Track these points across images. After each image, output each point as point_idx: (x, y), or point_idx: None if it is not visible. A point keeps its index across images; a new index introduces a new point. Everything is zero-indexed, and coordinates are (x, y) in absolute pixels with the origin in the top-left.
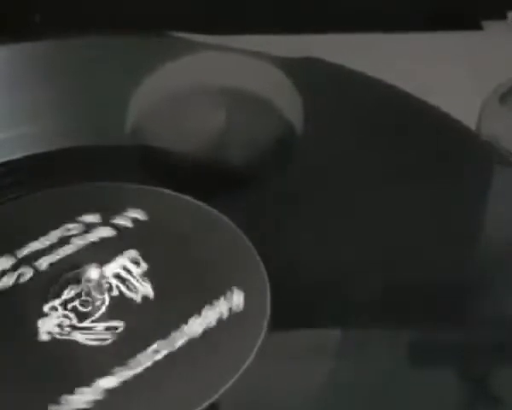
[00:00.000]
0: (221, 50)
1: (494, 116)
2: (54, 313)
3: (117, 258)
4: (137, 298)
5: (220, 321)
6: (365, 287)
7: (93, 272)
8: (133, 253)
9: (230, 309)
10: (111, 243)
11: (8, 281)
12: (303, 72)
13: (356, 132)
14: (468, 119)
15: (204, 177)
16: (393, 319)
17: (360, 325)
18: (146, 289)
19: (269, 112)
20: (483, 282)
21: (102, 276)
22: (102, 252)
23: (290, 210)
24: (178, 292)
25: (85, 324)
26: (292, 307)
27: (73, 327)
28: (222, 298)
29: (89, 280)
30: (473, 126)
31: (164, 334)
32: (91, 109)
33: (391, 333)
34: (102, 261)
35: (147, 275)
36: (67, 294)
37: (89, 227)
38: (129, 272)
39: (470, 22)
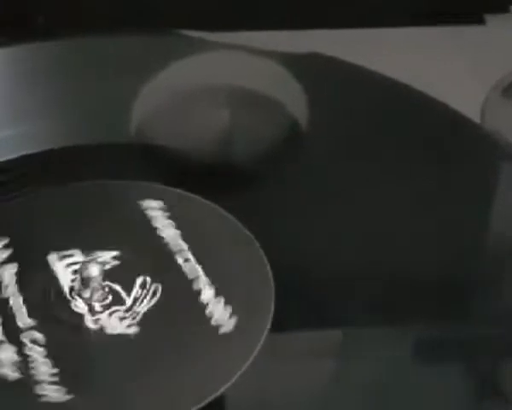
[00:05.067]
0: (225, 48)
1: (497, 109)
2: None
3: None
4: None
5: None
6: (369, 286)
7: (93, 270)
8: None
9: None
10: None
11: None
12: (306, 67)
13: (359, 126)
14: (472, 112)
15: (209, 175)
16: (398, 317)
17: (364, 323)
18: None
19: (274, 109)
20: (488, 277)
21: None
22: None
23: (295, 208)
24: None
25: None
26: (296, 305)
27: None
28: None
29: (89, 277)
30: (476, 120)
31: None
32: (97, 108)
33: (396, 332)
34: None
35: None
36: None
37: None
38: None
39: (473, 16)
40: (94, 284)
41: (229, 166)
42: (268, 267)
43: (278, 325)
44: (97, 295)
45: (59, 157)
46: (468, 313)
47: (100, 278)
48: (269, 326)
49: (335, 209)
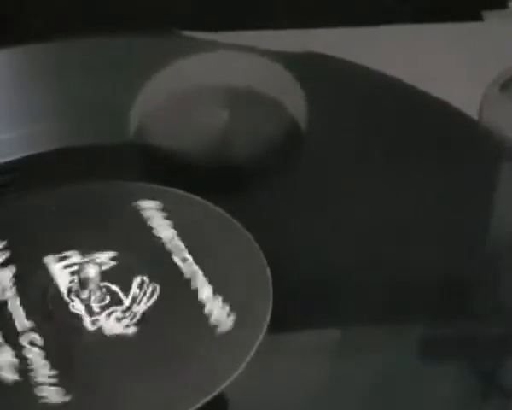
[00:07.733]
0: (225, 48)
1: (495, 105)
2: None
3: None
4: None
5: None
6: (369, 285)
7: (90, 271)
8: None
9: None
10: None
11: None
12: (306, 67)
13: (360, 126)
14: (470, 108)
15: (208, 175)
16: (398, 316)
17: (364, 323)
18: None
19: (273, 109)
20: (488, 276)
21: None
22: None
23: (294, 208)
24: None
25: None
26: (295, 305)
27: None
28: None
29: (86, 278)
30: (474, 116)
31: None
32: (97, 109)
33: (396, 331)
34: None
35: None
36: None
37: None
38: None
39: (471, 13)
40: (92, 286)
41: (229, 166)
42: (266, 267)
43: (276, 325)
44: (95, 297)
45: (57, 158)
46: (468, 312)
47: (97, 279)
48: (267, 326)
49: (335, 209)
